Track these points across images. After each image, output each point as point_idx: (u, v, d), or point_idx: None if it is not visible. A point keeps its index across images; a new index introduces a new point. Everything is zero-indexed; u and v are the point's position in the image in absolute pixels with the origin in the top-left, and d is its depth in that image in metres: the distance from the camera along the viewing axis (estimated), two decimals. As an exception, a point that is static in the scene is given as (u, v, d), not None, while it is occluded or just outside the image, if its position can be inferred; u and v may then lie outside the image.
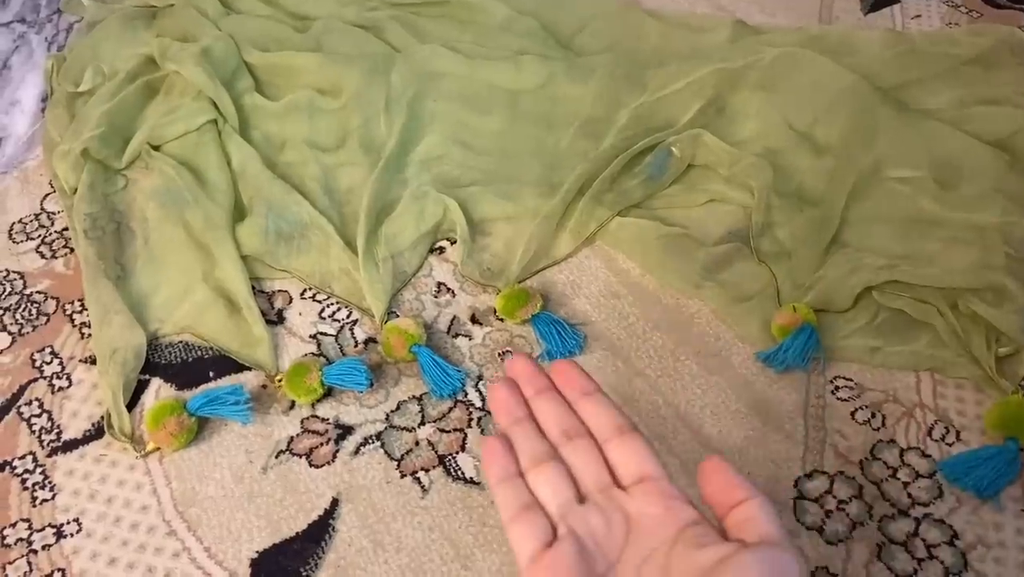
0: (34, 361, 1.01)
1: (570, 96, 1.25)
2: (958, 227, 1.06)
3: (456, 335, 1.02)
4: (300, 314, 1.04)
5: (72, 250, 1.11)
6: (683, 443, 0.91)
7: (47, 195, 1.19)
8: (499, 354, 0.99)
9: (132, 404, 0.96)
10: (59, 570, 0.84)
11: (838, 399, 0.94)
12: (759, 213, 1.08)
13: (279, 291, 1.06)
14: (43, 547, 0.85)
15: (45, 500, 0.89)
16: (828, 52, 1.25)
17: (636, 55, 1.32)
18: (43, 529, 0.87)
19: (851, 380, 0.95)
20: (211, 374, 0.98)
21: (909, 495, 0.86)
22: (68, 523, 0.87)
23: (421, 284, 1.07)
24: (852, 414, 0.92)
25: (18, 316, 1.05)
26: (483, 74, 1.28)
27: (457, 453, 0.91)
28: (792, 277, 1.04)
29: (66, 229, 1.14)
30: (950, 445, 0.90)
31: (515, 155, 1.20)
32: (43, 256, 1.12)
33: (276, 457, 0.91)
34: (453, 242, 1.11)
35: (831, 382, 0.95)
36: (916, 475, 0.88)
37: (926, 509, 0.85)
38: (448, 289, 1.06)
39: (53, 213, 1.17)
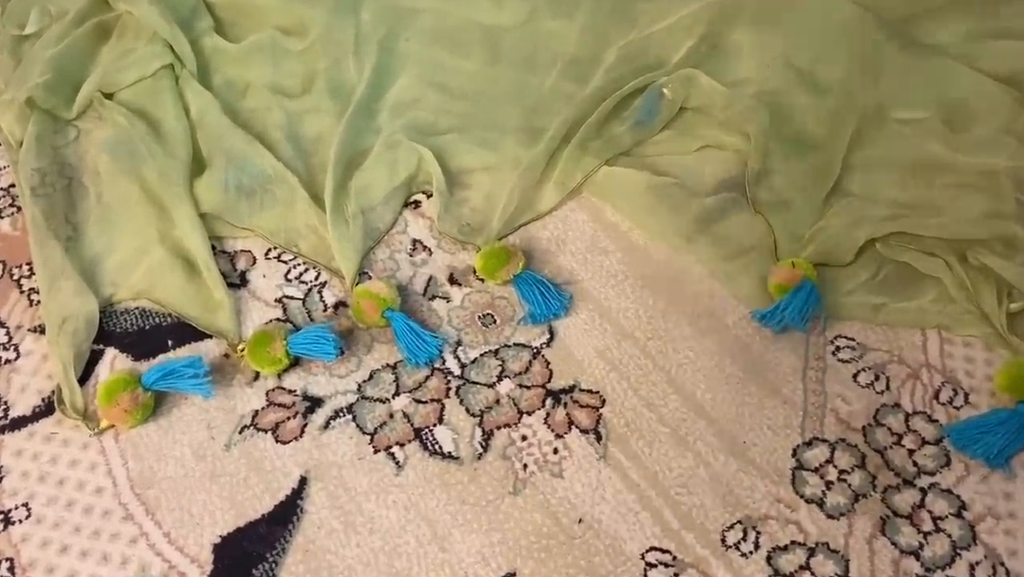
0: (-21, 331, 0.94)
1: (554, 33, 1.17)
2: (967, 172, 1.00)
3: (433, 297, 0.95)
4: (264, 276, 0.97)
5: (19, 209, 1.03)
6: (674, 411, 0.85)
7: (-8, 149, 1.10)
8: (479, 317, 0.93)
9: (85, 377, 0.90)
10: (6, 560, 0.78)
11: (839, 360, 0.88)
12: (756, 160, 1.02)
13: (242, 251, 0.99)
14: (-10, 535, 0.80)
15: (-8, 483, 0.83)
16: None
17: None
18: (-11, 515, 0.81)
19: (853, 340, 0.89)
20: (170, 343, 0.92)
21: (915, 463, 0.81)
22: (16, 508, 0.81)
23: (395, 241, 1.00)
24: (854, 376, 0.87)
25: (-38, 281, 0.98)
26: (461, 10, 1.20)
27: (434, 426, 0.85)
28: (790, 229, 0.97)
29: (12, 186, 1.06)
30: (958, 409, 0.84)
31: (495, 99, 1.12)
32: (-12, 216, 1.04)
33: (240, 433, 0.85)
34: (429, 195, 1.04)
35: (831, 342, 0.89)
36: (922, 441, 0.82)
37: (932, 478, 0.80)
38: (424, 247, 0.99)
39: (-2, 168, 1.08)
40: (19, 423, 0.86)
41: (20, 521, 0.80)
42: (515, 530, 0.78)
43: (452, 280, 0.96)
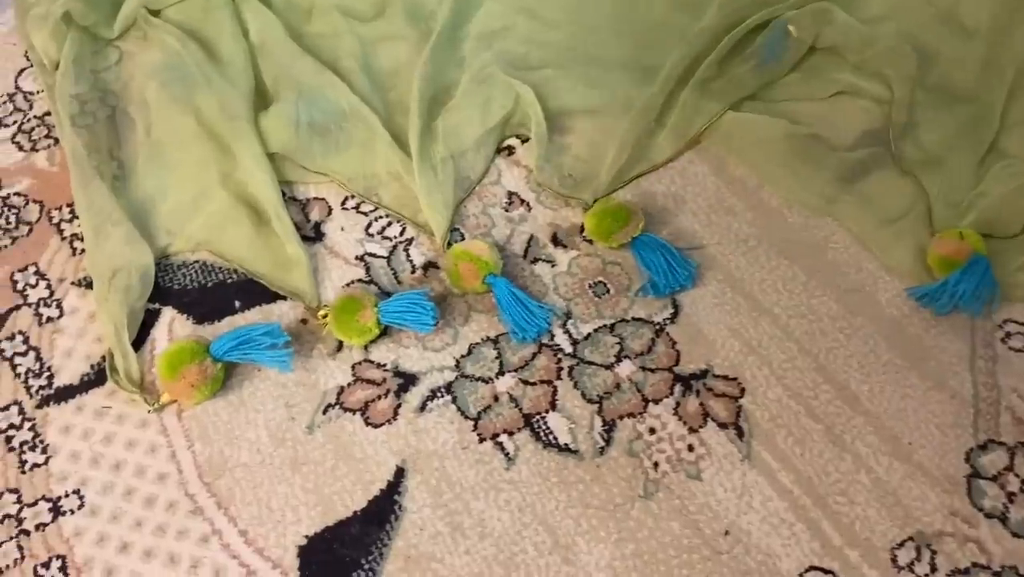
0: (15, 283, 0.81)
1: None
2: None
3: (535, 260, 0.82)
4: (342, 229, 0.84)
5: (56, 141, 0.90)
6: (826, 404, 0.74)
7: (22, 70, 0.97)
8: (589, 286, 0.80)
9: (139, 341, 0.77)
10: (58, 557, 0.67)
11: (1011, 349, 0.76)
12: (900, 111, 0.88)
13: (315, 199, 0.86)
14: (37, 527, 0.69)
15: (36, 465, 0.71)
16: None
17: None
18: (35, 503, 0.70)
19: (1025, 325, 0.77)
20: (237, 304, 0.79)
21: (1108, 474, 0.70)
22: (67, 496, 0.70)
23: (487, 194, 0.87)
24: (1030, 369, 0.75)
25: (-7, 224, 0.86)
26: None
27: (546, 412, 0.74)
28: (945, 193, 0.85)
29: (48, 114, 0.92)
30: None
31: (594, 30, 0.98)
32: (20, 148, 0.91)
33: (324, 413, 0.74)
34: (523, 140, 0.90)
35: (1000, 327, 0.77)
36: (1115, 448, 0.71)
37: None
38: (521, 201, 0.86)
39: (31, 94, 0.95)
40: (66, 393, 0.75)
41: (72, 512, 0.69)
42: (650, 541, 0.67)
43: (556, 241, 0.84)
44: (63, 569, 0.67)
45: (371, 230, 0.84)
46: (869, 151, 0.88)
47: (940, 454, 0.71)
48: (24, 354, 0.77)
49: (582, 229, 0.84)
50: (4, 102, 0.94)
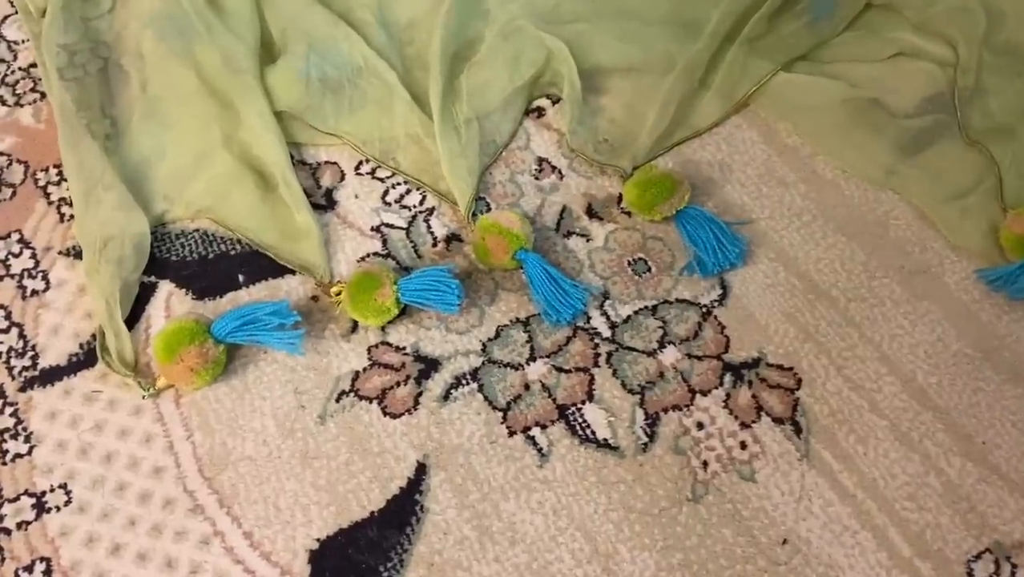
0: (-4, 252, 0.74)
1: None
2: None
3: (568, 234, 0.75)
4: (356, 196, 0.77)
5: (43, 95, 0.83)
6: (891, 397, 0.67)
7: (6, 17, 0.89)
8: (628, 263, 0.73)
9: (134, 317, 0.70)
10: (42, 560, 0.60)
11: (1092, 339, 0.69)
12: (966, 75, 0.81)
13: (326, 163, 0.79)
14: (18, 525, 0.62)
15: (19, 455, 0.65)
16: None
17: None
18: (17, 499, 0.63)
19: (1106, 313, 0.71)
20: (241, 278, 0.72)
21: None
22: (52, 490, 0.63)
23: (515, 160, 0.79)
24: (1114, 361, 0.68)
25: (-27, 186, 0.78)
26: None
27: (583, 403, 0.67)
28: (1019, 165, 0.78)
29: (34, 66, 0.85)
30: None
31: (629, -20, 0.90)
32: (3, 102, 0.83)
33: (337, 401, 0.67)
34: (554, 101, 0.82)
35: (1081, 314, 0.70)
36: None
37: None
38: (552, 168, 0.79)
39: (16, 43, 0.87)
40: (52, 375, 0.68)
41: (58, 508, 0.62)
42: (699, 550, 0.61)
43: (591, 213, 0.76)
44: (47, 573, 0.60)
45: (388, 198, 0.77)
46: (933, 118, 0.81)
47: (1018, 455, 0.65)
48: (6, 331, 0.70)
49: (620, 200, 0.76)
50: (-15, 52, 0.86)
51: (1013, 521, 0.62)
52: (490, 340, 0.70)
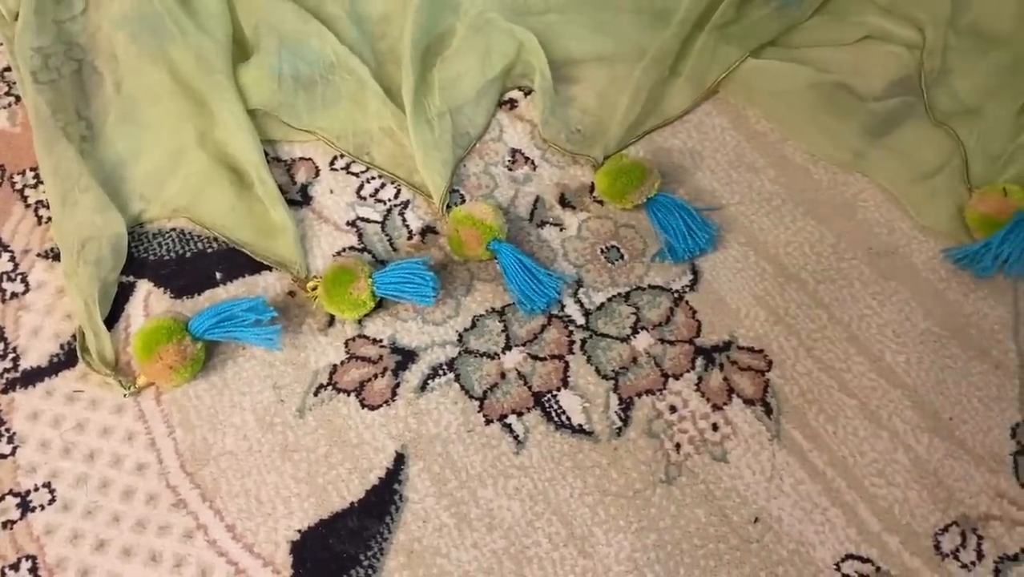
0: (-25, 255, 0.75)
1: None
2: None
3: (542, 224, 0.76)
4: (331, 192, 0.78)
5: (18, 99, 0.83)
6: (859, 376, 0.68)
7: (-22, 21, 0.88)
8: (601, 251, 0.74)
9: (113, 317, 0.71)
10: (27, 557, 0.61)
11: (1056, 315, 0.71)
12: (933, 57, 0.83)
13: (301, 159, 0.79)
14: (4, 525, 0.63)
15: (2, 456, 0.65)
16: None
17: None
18: (2, 498, 0.64)
19: (1071, 288, 0.72)
20: (218, 275, 0.73)
21: None
22: (36, 490, 0.64)
23: (489, 151, 0.80)
24: (1078, 337, 0.70)
25: (-50, 190, 0.79)
26: None
27: (558, 390, 0.68)
28: (984, 146, 0.79)
29: (8, 70, 0.85)
30: None
31: (601, -30, 0.91)
32: (-21, 106, 0.83)
33: (315, 394, 0.68)
34: (526, 93, 0.83)
35: (1046, 291, 0.72)
36: None
37: None
38: (526, 159, 0.80)
39: (-12, 46, 0.87)
40: (33, 376, 0.68)
41: (42, 507, 0.63)
42: (673, 530, 0.62)
43: (564, 202, 0.77)
44: (33, 570, 0.61)
45: (363, 192, 0.78)
46: (900, 101, 0.82)
47: (983, 430, 0.66)
48: (-13, 333, 0.71)
49: (592, 189, 0.77)
50: (-41, 56, 0.86)
51: (979, 494, 0.63)
52: (466, 330, 0.71)
